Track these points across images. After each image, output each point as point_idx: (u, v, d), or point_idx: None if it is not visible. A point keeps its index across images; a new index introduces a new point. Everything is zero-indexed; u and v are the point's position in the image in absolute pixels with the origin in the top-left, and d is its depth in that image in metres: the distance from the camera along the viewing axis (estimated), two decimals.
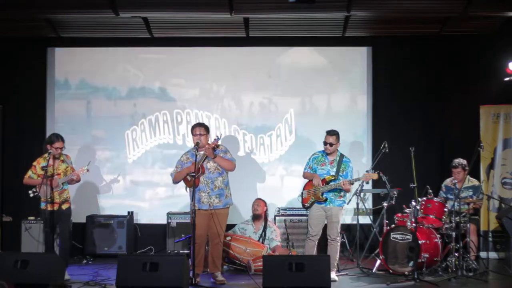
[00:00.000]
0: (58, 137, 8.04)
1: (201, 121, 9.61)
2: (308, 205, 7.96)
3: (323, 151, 8.05)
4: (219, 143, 7.82)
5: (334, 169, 7.91)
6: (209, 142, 7.80)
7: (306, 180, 8.13)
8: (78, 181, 8.18)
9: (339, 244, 7.98)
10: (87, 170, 8.12)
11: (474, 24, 9.32)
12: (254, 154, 9.95)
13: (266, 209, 8.93)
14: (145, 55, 10.03)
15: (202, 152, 7.71)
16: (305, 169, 8.15)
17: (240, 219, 9.36)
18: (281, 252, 8.55)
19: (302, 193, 8.08)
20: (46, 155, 7.96)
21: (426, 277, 7.80)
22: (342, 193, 7.93)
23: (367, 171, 8.18)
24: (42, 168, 7.93)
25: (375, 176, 7.97)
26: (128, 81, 10.04)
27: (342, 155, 8.02)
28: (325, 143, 7.96)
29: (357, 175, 8.31)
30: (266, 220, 8.84)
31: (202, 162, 7.67)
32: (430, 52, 9.88)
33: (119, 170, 9.95)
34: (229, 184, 7.90)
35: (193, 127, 7.88)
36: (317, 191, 7.85)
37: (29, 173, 8.07)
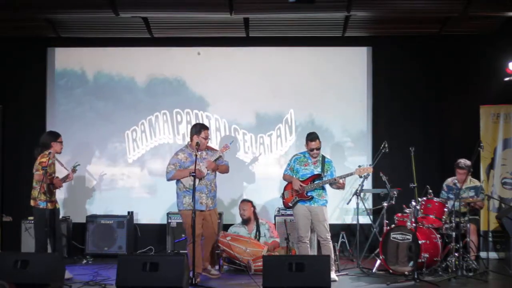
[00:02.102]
0: (54, 132, 8.17)
1: (200, 121, 9.70)
2: (291, 204, 7.94)
3: (305, 152, 8.03)
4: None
5: (319, 169, 7.90)
6: (217, 147, 8.01)
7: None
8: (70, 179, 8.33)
9: (331, 243, 7.93)
10: (76, 170, 8.27)
11: (474, 24, 9.32)
12: (253, 154, 9.94)
13: (254, 209, 8.87)
14: (145, 55, 10.02)
15: (200, 153, 7.79)
16: (285, 171, 8.12)
17: (238, 220, 9.39)
18: (276, 247, 8.56)
19: (283, 194, 8.05)
20: (47, 153, 7.89)
21: (426, 277, 7.80)
22: (323, 193, 7.91)
23: (359, 166, 8.05)
24: (49, 166, 7.91)
25: (369, 169, 7.93)
26: (128, 81, 10.04)
27: (323, 156, 8.01)
28: (311, 150, 7.90)
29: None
30: (257, 219, 8.82)
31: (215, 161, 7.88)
32: (430, 52, 9.88)
33: (119, 170, 9.96)
34: None
35: (203, 129, 7.87)
36: (302, 189, 7.84)
37: (42, 171, 7.87)
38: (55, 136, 8.11)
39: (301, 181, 7.87)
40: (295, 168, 7.99)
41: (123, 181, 9.97)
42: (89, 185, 9.88)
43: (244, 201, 8.96)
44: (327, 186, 7.95)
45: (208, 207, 7.86)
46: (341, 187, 7.96)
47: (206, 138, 7.85)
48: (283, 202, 8.09)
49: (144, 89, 10.04)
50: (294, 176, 7.95)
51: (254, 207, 8.90)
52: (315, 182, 7.82)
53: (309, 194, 7.84)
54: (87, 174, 9.86)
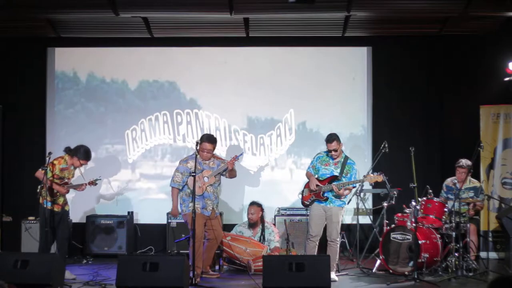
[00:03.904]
0: (89, 156, 8.16)
1: (200, 121, 9.72)
2: (308, 203, 7.94)
3: (327, 151, 8.05)
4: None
5: (338, 170, 7.89)
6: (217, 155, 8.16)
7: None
8: (82, 190, 8.29)
9: (338, 245, 7.96)
10: (95, 184, 8.27)
11: (474, 24, 9.32)
12: (253, 154, 9.94)
13: (262, 213, 8.81)
14: (145, 55, 10.02)
15: (207, 161, 7.90)
16: (308, 168, 8.14)
17: (239, 220, 9.39)
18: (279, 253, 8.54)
19: (303, 191, 8.07)
20: (65, 157, 8.06)
21: (426, 277, 7.80)
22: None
23: (372, 173, 7.96)
24: (61, 170, 8.01)
25: (379, 178, 7.85)
26: (128, 81, 10.03)
27: (346, 157, 7.96)
28: (329, 151, 7.91)
29: (358, 176, 8.28)
30: (263, 222, 8.78)
31: (216, 174, 7.92)
32: (430, 52, 9.88)
33: (119, 170, 9.96)
34: None
35: (201, 141, 7.87)
36: (318, 189, 7.85)
37: (46, 168, 7.96)
38: (86, 156, 8.12)
39: (319, 181, 7.88)
40: (317, 167, 8.00)
41: (124, 181, 9.96)
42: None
43: (254, 204, 8.82)
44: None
45: (214, 213, 7.95)
46: (341, 195, 7.84)
47: (203, 150, 7.81)
48: (301, 199, 8.08)
49: (143, 89, 10.03)
50: (315, 175, 7.96)
51: (262, 210, 8.83)
52: (332, 184, 7.81)
53: (325, 195, 7.83)
54: (88, 174, 9.83)
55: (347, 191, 7.87)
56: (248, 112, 9.95)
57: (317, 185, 7.84)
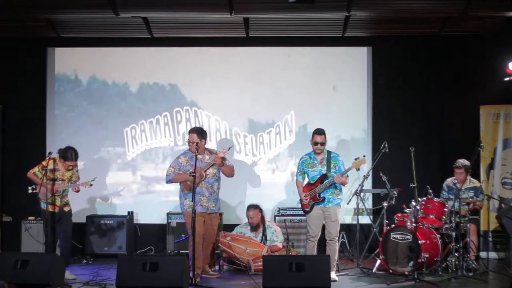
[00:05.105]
0: (73, 155, 8.06)
1: (200, 121, 9.73)
2: (308, 209, 7.94)
3: (310, 153, 8.05)
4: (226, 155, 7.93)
5: (325, 168, 7.90)
6: (215, 150, 8.11)
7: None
8: (77, 191, 8.15)
9: (337, 244, 7.97)
10: (91, 185, 8.13)
11: (474, 24, 9.32)
12: (253, 153, 9.93)
13: (261, 214, 8.76)
14: (144, 56, 10.02)
15: (201, 156, 7.85)
16: (296, 175, 8.16)
17: (239, 220, 9.38)
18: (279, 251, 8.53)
19: (301, 199, 8.07)
20: (55, 159, 8.10)
21: (426, 277, 7.80)
22: (338, 191, 7.92)
23: (355, 159, 7.92)
24: (50, 171, 8.00)
25: (363, 160, 7.88)
26: (128, 81, 10.03)
27: (329, 152, 8.01)
28: (315, 143, 7.92)
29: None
30: (264, 223, 8.74)
31: (207, 169, 7.83)
32: (430, 52, 9.88)
33: (120, 171, 9.95)
34: None
35: (189, 132, 7.99)
36: (313, 192, 7.86)
37: (36, 169, 8.07)
38: (66, 156, 8.03)
39: (311, 184, 7.91)
40: (305, 171, 8.02)
41: (124, 181, 9.95)
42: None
43: (251, 208, 8.74)
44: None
45: (209, 210, 7.88)
46: (343, 184, 7.93)
47: (189, 142, 7.85)
48: (302, 208, 8.08)
49: (143, 89, 10.03)
50: (306, 178, 8.00)
51: (261, 211, 8.78)
52: (324, 182, 7.82)
53: (321, 196, 7.85)
54: (88, 174, 9.83)
55: (346, 179, 7.89)
56: (247, 111, 9.94)
57: (304, 200, 7.89)
